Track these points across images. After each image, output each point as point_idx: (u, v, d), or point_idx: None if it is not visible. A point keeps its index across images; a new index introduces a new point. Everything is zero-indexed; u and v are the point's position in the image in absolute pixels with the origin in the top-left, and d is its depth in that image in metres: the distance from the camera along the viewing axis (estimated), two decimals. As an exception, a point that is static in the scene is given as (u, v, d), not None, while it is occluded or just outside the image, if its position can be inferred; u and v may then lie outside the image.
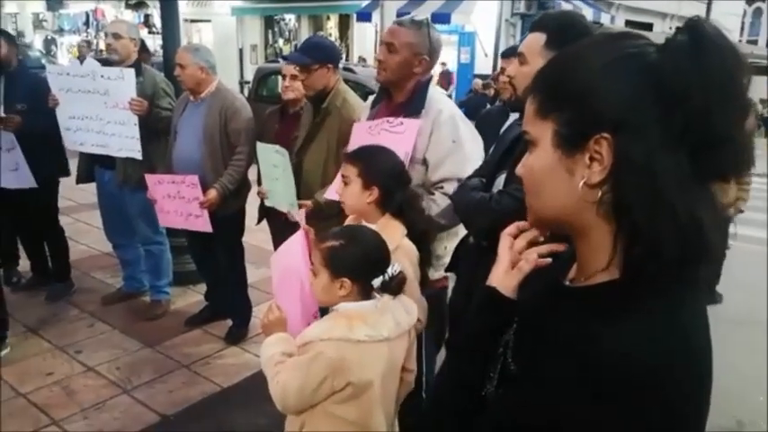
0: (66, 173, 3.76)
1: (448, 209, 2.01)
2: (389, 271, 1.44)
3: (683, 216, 0.64)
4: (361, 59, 13.38)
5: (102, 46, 15.57)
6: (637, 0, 17.15)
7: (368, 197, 1.72)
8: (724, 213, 0.73)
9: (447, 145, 2.06)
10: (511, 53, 2.90)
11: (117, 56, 3.29)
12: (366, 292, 1.44)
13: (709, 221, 0.65)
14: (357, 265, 1.41)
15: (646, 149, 0.64)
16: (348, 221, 1.82)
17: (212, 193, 3.03)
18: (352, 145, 2.25)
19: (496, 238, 1.57)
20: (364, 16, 14.08)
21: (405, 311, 1.47)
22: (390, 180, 1.72)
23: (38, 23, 22.48)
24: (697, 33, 0.65)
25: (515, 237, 0.90)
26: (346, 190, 1.75)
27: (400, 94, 2.21)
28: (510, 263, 0.83)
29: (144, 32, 16.64)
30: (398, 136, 2.10)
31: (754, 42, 23.66)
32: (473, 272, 1.70)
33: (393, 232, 1.64)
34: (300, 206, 2.45)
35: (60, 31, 21.52)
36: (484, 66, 13.68)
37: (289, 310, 1.55)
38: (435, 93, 2.22)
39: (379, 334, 1.39)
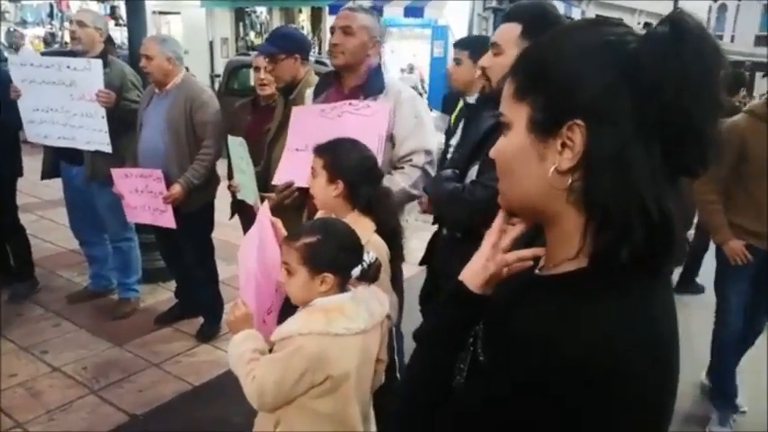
0: (20, 172, 3.60)
1: (419, 179, 2.11)
2: (366, 259, 1.42)
3: (652, 208, 0.63)
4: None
5: (67, 38, 15.12)
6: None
7: (333, 191, 1.70)
8: (692, 209, 0.73)
9: (410, 121, 2.14)
10: (466, 44, 2.88)
11: (81, 45, 3.19)
12: (343, 285, 1.42)
13: (677, 216, 0.66)
14: (338, 257, 1.39)
15: (618, 139, 0.64)
16: (318, 215, 1.79)
17: (176, 188, 2.96)
18: (297, 131, 2.25)
19: (470, 229, 1.58)
20: (337, 9, 13.94)
21: (378, 302, 1.46)
22: (356, 175, 1.69)
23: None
24: (678, 26, 0.64)
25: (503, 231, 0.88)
26: (314, 183, 1.73)
27: (354, 77, 2.24)
28: (488, 261, 0.81)
29: (111, 24, 16.21)
30: (367, 119, 2.13)
31: (720, 38, 24.27)
32: (448, 263, 1.69)
33: (362, 229, 1.62)
34: (263, 198, 2.42)
35: (23, 22, 20.82)
36: (457, 60, 13.70)
37: (251, 305, 1.52)
38: (391, 75, 2.27)
39: (357, 326, 1.38)
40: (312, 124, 2.24)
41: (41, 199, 5.40)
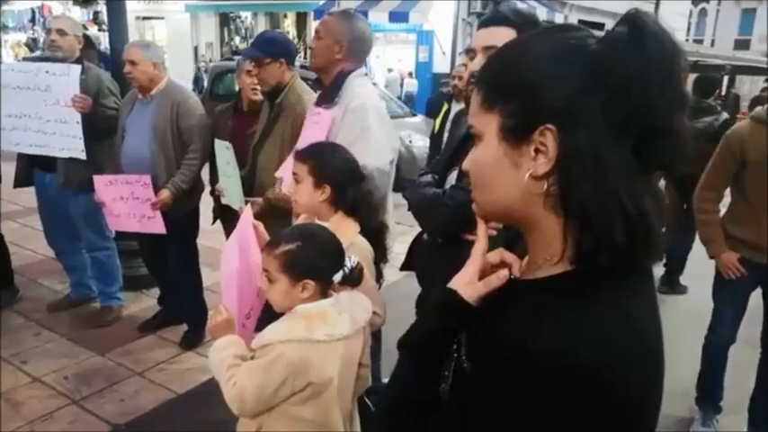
0: None
1: None
2: (347, 263, 1.42)
3: (630, 207, 0.64)
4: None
5: (48, 43, 14.95)
6: (588, 0, 17.59)
7: (320, 195, 1.69)
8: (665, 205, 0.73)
9: (354, 132, 2.07)
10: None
11: (61, 53, 3.15)
12: (325, 291, 1.42)
13: (654, 212, 0.66)
14: (318, 263, 1.38)
15: (590, 140, 0.64)
16: (300, 221, 1.78)
17: (165, 194, 2.93)
18: (301, 139, 2.24)
19: (451, 234, 1.58)
20: (322, 14, 13.97)
21: (361, 308, 1.46)
22: (343, 177, 1.69)
23: (-21, 21, 21.45)
24: (635, 25, 0.65)
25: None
26: (298, 188, 1.72)
27: (326, 81, 2.26)
28: (479, 271, 0.79)
29: (93, 30, 16.09)
30: (316, 126, 2.16)
31: (700, 42, 24.66)
32: (428, 269, 1.69)
33: (346, 230, 1.62)
34: (248, 203, 2.41)
35: (4, 28, 20.57)
36: (442, 64, 13.79)
37: (232, 309, 1.51)
38: (357, 82, 2.21)
39: (338, 333, 1.37)
40: (303, 132, 2.28)
41: (22, 206, 5.32)
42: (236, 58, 3.84)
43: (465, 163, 0.79)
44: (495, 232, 1.50)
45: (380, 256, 1.72)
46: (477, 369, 0.72)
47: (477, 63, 1.62)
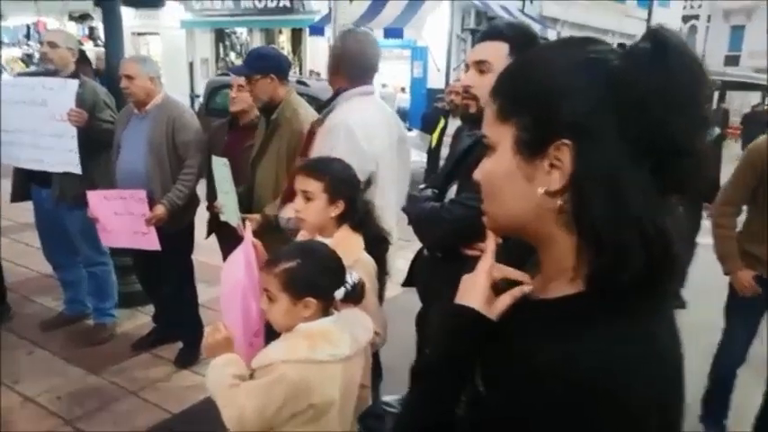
0: None
1: None
2: (349, 279, 1.40)
3: (648, 227, 0.62)
4: (314, 73, 13.34)
5: (43, 59, 14.94)
6: (581, 16, 17.81)
7: (333, 211, 1.67)
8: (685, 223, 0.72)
9: (324, 152, 2.04)
10: None
11: (52, 65, 3.14)
12: (326, 308, 1.39)
13: (673, 233, 0.65)
14: (319, 280, 1.36)
15: (606, 158, 0.63)
16: (301, 237, 1.76)
17: (160, 209, 2.90)
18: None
19: (450, 249, 1.56)
20: (317, 30, 14.06)
21: (362, 327, 1.43)
22: (354, 191, 1.69)
23: (-26, 36, 21.47)
24: (660, 42, 0.64)
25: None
26: (309, 206, 1.68)
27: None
28: (489, 290, 0.77)
29: (89, 45, 16.12)
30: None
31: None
32: (429, 285, 1.68)
33: (352, 245, 1.60)
34: (246, 219, 2.39)
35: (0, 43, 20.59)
36: (436, 80, 13.88)
37: (233, 328, 1.48)
38: (348, 100, 2.20)
39: (341, 352, 1.34)
40: None
41: (16, 222, 5.27)
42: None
43: (476, 173, 0.78)
44: (499, 240, 1.50)
45: (381, 270, 1.70)
46: (494, 393, 0.70)
47: (470, 77, 1.62)
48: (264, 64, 2.63)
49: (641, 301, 0.65)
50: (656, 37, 0.65)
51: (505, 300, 0.75)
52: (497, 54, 1.56)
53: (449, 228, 1.48)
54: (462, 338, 0.75)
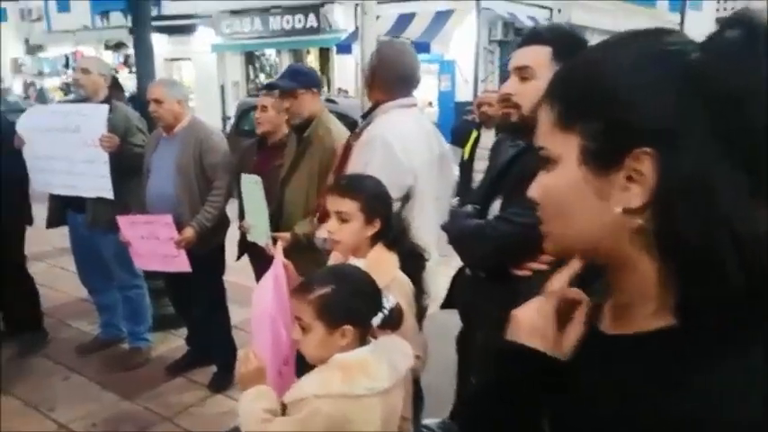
0: (29, 221, 3.56)
1: None
2: (386, 304, 1.30)
3: (748, 242, 0.52)
4: (342, 91, 13.41)
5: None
6: (610, 23, 17.52)
7: (369, 231, 1.59)
8: None
9: (358, 166, 1.98)
10: None
11: (84, 91, 3.17)
12: (364, 336, 1.30)
13: None
14: (356, 306, 1.27)
15: (697, 166, 0.53)
16: (333, 259, 1.68)
17: (189, 232, 2.88)
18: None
19: (495, 269, 1.45)
20: (344, 48, 14.17)
21: (401, 354, 1.33)
22: (389, 208, 1.61)
23: (17, 68, 22.41)
24: (752, 28, 0.54)
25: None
26: (344, 228, 1.60)
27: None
28: (556, 324, 0.66)
29: (125, 72, 16.62)
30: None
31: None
32: (471, 306, 1.57)
33: (387, 265, 1.51)
34: (276, 239, 2.32)
35: (40, 74, 21.44)
36: (464, 93, 13.79)
37: (262, 356, 1.40)
38: (387, 113, 2.11)
39: (379, 385, 1.24)
40: None
41: (53, 247, 5.35)
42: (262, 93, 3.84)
43: (532, 190, 0.68)
44: (545, 266, 1.38)
45: (419, 289, 1.60)
46: None
47: (511, 85, 1.52)
48: (306, 78, 2.61)
49: (746, 332, 0.54)
50: (748, 23, 0.54)
51: (574, 333, 0.65)
52: (540, 59, 1.46)
53: (494, 246, 1.37)
54: (526, 384, 0.65)
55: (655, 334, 0.57)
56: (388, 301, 1.30)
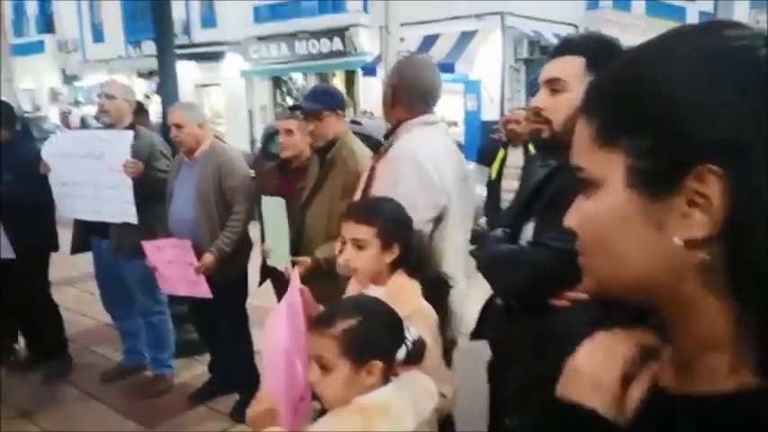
0: (55, 247, 3.57)
1: None
2: (408, 336, 1.20)
3: None
4: (367, 112, 13.46)
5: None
6: (638, 39, 17.25)
7: (388, 257, 1.50)
8: None
9: (386, 187, 1.84)
10: None
11: (108, 118, 3.18)
12: (389, 373, 1.19)
13: None
14: (384, 339, 1.17)
15: None
16: (351, 289, 1.58)
17: (208, 258, 2.83)
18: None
19: (530, 299, 1.34)
20: (370, 71, 14.26)
21: (425, 394, 1.22)
22: (408, 233, 1.52)
23: (54, 97, 23.23)
24: None
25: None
26: (361, 255, 1.51)
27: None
28: (619, 383, 0.55)
29: (158, 99, 16.96)
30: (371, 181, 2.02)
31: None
32: (502, 337, 1.45)
33: (409, 294, 1.41)
34: (295, 263, 2.24)
35: (76, 103, 22.17)
36: (490, 112, 13.69)
37: (276, 395, 1.30)
38: (412, 131, 1.98)
39: (402, 429, 1.13)
40: None
41: (81, 272, 5.38)
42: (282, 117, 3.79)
43: (569, 218, 0.57)
44: (587, 296, 1.26)
45: (444, 320, 1.49)
46: None
47: (541, 98, 1.41)
48: (332, 100, 2.55)
49: None
50: None
51: (639, 392, 0.54)
52: (571, 70, 1.35)
53: (529, 273, 1.26)
54: None
55: (730, 397, 0.45)
56: (411, 333, 1.19)
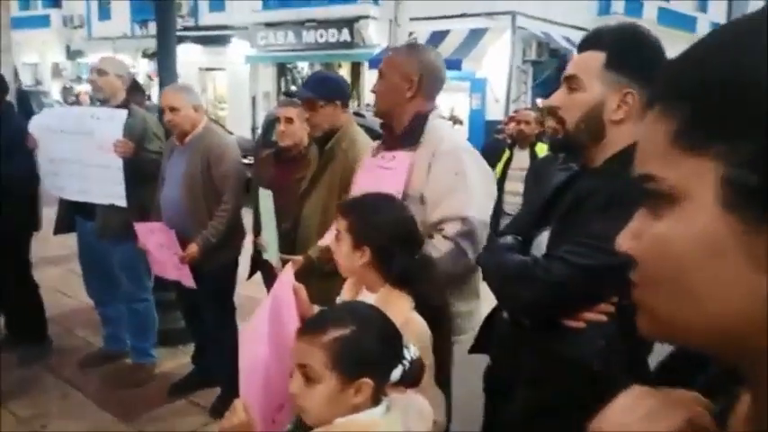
0: (36, 226, 3.42)
1: (448, 255, 1.70)
2: (407, 355, 1.07)
3: None
4: (371, 106, 13.33)
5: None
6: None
7: (359, 259, 1.38)
8: None
9: (448, 179, 1.75)
10: None
11: (101, 93, 3.04)
12: (379, 394, 1.06)
13: None
14: (379, 355, 1.04)
15: None
16: (346, 290, 1.46)
17: (193, 248, 2.71)
18: (355, 191, 1.94)
19: (542, 317, 1.21)
20: (376, 64, 14.11)
21: (419, 418, 1.09)
22: (386, 240, 1.36)
23: (57, 72, 23.01)
24: None
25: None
26: (338, 246, 1.41)
27: (398, 125, 1.92)
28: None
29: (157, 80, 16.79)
30: (390, 172, 1.83)
31: None
32: (507, 356, 1.32)
33: (397, 305, 1.28)
34: (285, 261, 2.12)
35: (78, 79, 21.97)
36: (495, 111, 13.56)
37: (252, 406, 1.18)
38: (438, 123, 1.92)
39: None
40: (362, 181, 1.96)
41: (68, 250, 5.23)
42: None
43: (625, 241, 0.44)
44: (605, 318, 1.14)
45: (444, 342, 1.36)
46: None
47: (557, 96, 1.29)
48: (330, 89, 2.40)
49: None
50: None
51: None
52: (589, 66, 1.23)
53: (545, 290, 1.13)
54: None
55: None
56: (410, 352, 1.06)
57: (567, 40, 14.16)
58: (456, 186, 1.74)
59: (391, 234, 1.38)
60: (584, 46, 1.26)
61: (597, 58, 1.21)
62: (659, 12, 16.30)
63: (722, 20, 16.37)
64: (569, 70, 1.28)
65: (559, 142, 1.28)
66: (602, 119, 1.22)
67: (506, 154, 4.42)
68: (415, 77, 1.86)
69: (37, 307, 3.52)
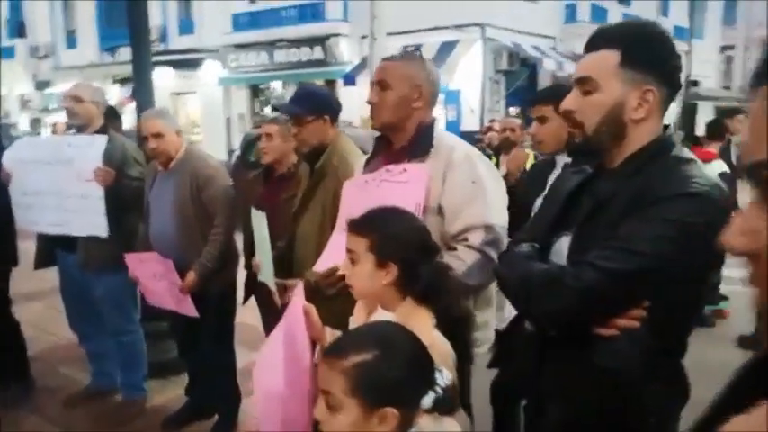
0: (14, 261, 3.29)
1: (475, 266, 1.64)
2: (439, 381, 1.01)
3: None
4: (347, 123, 13.28)
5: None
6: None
7: (384, 278, 1.31)
8: None
9: (466, 187, 1.71)
10: (548, 96, 2.27)
11: (78, 120, 2.94)
12: (408, 423, 0.99)
13: None
14: (404, 382, 0.98)
15: None
16: (358, 311, 1.40)
17: (191, 277, 2.64)
18: (346, 209, 1.88)
19: (572, 326, 1.16)
20: (350, 80, 14.11)
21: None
22: (413, 253, 1.31)
23: (24, 104, 22.56)
24: None
25: None
26: (354, 270, 1.34)
27: (402, 137, 1.86)
28: None
29: (132, 106, 16.59)
30: (404, 186, 1.75)
31: (727, 88, 24.46)
32: (535, 370, 1.26)
33: (420, 324, 1.22)
34: (286, 286, 2.05)
35: (46, 110, 21.56)
36: (470, 122, 13.65)
37: None
38: (443, 132, 1.90)
39: None
40: (359, 198, 1.86)
41: (53, 285, 5.04)
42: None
43: (735, 237, 0.41)
44: (638, 324, 1.10)
45: (464, 356, 1.30)
46: None
47: (571, 100, 1.25)
48: (317, 104, 2.33)
49: None
50: None
51: None
52: (603, 66, 1.20)
53: (576, 299, 1.08)
54: None
55: None
56: (444, 377, 1.00)
57: (537, 48, 14.39)
58: (475, 194, 1.70)
59: (415, 246, 1.33)
60: (593, 46, 1.23)
61: (611, 56, 1.18)
62: (623, 17, 16.71)
63: (684, 23, 16.85)
64: (580, 72, 1.24)
65: (579, 146, 1.24)
66: (623, 119, 1.19)
67: (492, 161, 4.43)
68: (422, 86, 1.82)
69: (18, 345, 3.37)
